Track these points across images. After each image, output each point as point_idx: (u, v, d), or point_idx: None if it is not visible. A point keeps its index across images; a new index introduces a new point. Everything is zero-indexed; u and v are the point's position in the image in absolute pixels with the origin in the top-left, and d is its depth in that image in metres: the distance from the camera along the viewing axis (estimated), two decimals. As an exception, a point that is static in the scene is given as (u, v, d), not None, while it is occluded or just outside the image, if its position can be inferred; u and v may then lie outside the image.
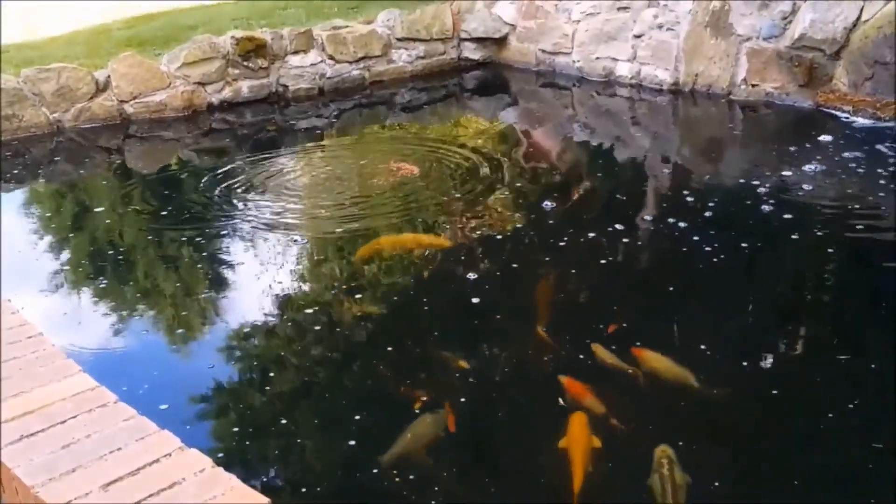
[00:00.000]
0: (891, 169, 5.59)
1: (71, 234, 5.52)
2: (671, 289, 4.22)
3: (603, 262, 4.55)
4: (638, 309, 4.08)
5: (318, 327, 4.05)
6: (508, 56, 9.10)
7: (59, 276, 4.80)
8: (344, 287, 4.45)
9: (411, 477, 2.93)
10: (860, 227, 4.85)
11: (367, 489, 2.91)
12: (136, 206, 5.86)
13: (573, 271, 4.48)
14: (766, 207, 5.07)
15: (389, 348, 3.80)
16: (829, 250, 4.67)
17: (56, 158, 6.90)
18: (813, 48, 6.88)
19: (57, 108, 7.28)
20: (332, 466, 3.16)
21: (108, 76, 7.49)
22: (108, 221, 5.67)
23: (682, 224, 4.93)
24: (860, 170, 5.61)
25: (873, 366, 3.47)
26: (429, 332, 3.96)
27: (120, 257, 5.05)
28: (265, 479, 3.02)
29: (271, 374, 3.71)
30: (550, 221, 5.13)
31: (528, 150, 6.74)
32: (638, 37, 8.00)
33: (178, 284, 4.65)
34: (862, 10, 6.71)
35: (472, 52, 9.11)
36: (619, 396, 3.29)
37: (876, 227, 4.90)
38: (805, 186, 5.41)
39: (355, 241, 4.97)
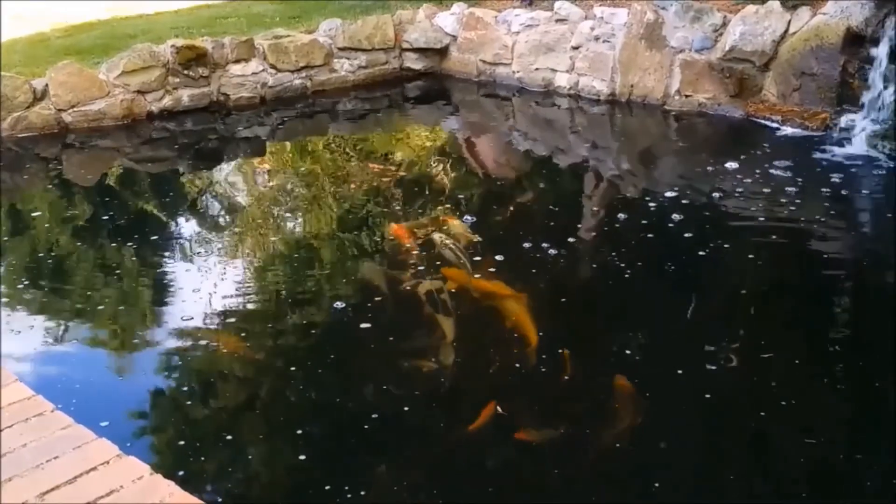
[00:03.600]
0: (813, 176, 5.81)
1: (6, 239, 5.46)
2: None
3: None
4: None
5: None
6: (450, 66, 9.18)
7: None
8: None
9: (362, 493, 2.98)
10: (774, 236, 5.00)
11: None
12: (72, 216, 5.81)
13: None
14: (687, 215, 5.23)
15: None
16: (749, 256, 4.83)
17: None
18: (743, 60, 7.10)
19: (-7, 117, 7.18)
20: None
21: (46, 85, 7.37)
22: (45, 227, 5.63)
23: (612, 231, 5.09)
24: (785, 177, 5.81)
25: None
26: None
27: (52, 264, 5.03)
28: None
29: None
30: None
31: (466, 159, 6.84)
32: (576, 48, 8.15)
33: (114, 295, 4.64)
34: (789, 23, 6.94)
35: (413, 63, 9.17)
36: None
37: (796, 233, 5.08)
38: (732, 195, 5.59)
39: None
